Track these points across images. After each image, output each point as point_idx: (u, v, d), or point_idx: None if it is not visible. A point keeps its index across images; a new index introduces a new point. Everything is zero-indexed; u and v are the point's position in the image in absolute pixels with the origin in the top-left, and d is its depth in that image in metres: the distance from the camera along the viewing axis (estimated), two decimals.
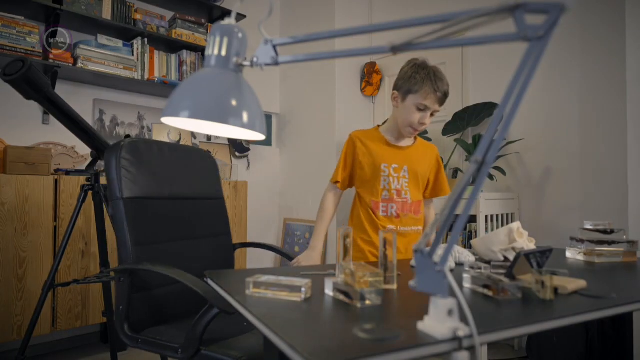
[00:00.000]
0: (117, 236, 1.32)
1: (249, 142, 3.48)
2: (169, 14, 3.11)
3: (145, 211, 1.37)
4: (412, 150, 1.64)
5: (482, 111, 2.68)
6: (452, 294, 0.62)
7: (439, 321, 0.60)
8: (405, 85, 1.52)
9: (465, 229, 2.49)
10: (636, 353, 1.89)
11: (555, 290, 0.85)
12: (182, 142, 3.16)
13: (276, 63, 0.79)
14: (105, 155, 1.35)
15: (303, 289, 0.81)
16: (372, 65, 3.44)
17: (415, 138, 1.68)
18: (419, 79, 1.48)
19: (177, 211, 1.48)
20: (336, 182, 1.62)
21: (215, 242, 1.60)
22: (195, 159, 1.63)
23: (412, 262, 1.22)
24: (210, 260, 1.54)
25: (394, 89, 1.58)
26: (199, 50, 3.09)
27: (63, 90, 2.66)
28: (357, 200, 1.65)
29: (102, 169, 1.79)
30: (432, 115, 1.53)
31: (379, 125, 1.68)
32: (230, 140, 3.44)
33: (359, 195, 1.64)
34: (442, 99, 1.52)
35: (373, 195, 1.58)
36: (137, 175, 1.37)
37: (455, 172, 2.89)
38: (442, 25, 0.63)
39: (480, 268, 1.09)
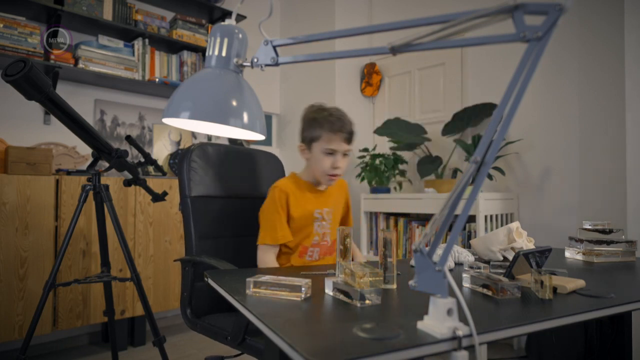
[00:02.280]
0: (184, 230, 1.48)
1: (249, 142, 3.49)
2: (169, 15, 3.11)
3: (208, 208, 1.51)
4: (332, 191, 1.57)
5: (481, 111, 2.68)
6: (452, 293, 0.62)
7: (438, 321, 0.61)
8: (307, 134, 1.46)
9: (465, 228, 2.49)
10: (635, 352, 1.89)
11: (554, 289, 0.85)
12: (182, 143, 3.16)
13: (276, 63, 0.79)
14: (179, 158, 1.51)
15: (303, 289, 0.81)
16: (372, 65, 3.44)
17: None
18: (318, 124, 1.43)
19: (237, 209, 1.59)
20: (274, 244, 1.43)
21: None
22: (260, 160, 1.73)
23: (412, 262, 1.22)
24: None
25: (300, 142, 1.51)
26: (200, 50, 3.09)
27: (64, 91, 2.66)
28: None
29: (103, 169, 1.80)
30: (345, 155, 1.46)
31: (294, 173, 1.57)
32: (230, 140, 3.45)
33: (282, 246, 1.49)
34: (349, 138, 1.45)
35: (304, 242, 1.48)
36: (203, 175, 1.52)
37: (455, 172, 2.89)
38: (442, 26, 0.64)
39: (479, 268, 1.09)
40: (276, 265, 1.43)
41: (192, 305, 1.38)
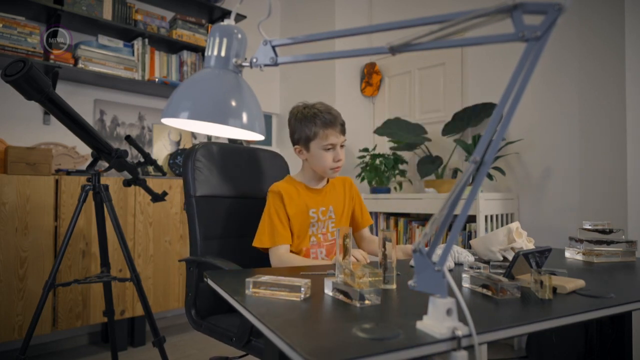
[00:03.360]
0: (189, 230, 1.47)
1: (248, 142, 3.49)
2: (169, 15, 3.11)
3: (213, 208, 1.51)
4: (330, 189, 1.57)
5: (481, 111, 2.68)
6: (451, 293, 0.62)
7: (438, 321, 0.61)
8: (301, 134, 1.45)
9: (465, 228, 2.49)
10: (635, 352, 1.89)
11: (554, 289, 0.85)
12: (182, 143, 3.16)
13: (275, 64, 0.79)
14: (183, 157, 1.50)
15: (302, 289, 0.81)
16: (372, 65, 3.44)
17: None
18: (310, 123, 1.42)
19: (242, 209, 1.58)
20: (280, 244, 1.40)
21: None
22: (265, 160, 1.72)
23: (411, 262, 1.22)
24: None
25: (294, 145, 1.50)
26: (200, 50, 3.09)
27: (64, 91, 2.66)
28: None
29: (103, 169, 1.80)
30: (342, 146, 1.47)
31: (290, 175, 1.59)
32: (230, 140, 3.44)
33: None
34: (343, 129, 1.46)
35: (302, 245, 1.47)
36: (208, 175, 1.52)
37: (455, 172, 2.89)
38: (441, 26, 0.63)
39: (479, 268, 1.09)
40: (292, 256, 1.40)
41: (196, 306, 1.38)
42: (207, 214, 1.48)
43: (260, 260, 1.48)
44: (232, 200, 1.57)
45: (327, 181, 1.59)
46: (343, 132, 1.47)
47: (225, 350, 2.47)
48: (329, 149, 1.44)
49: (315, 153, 1.45)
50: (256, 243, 1.43)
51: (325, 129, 1.42)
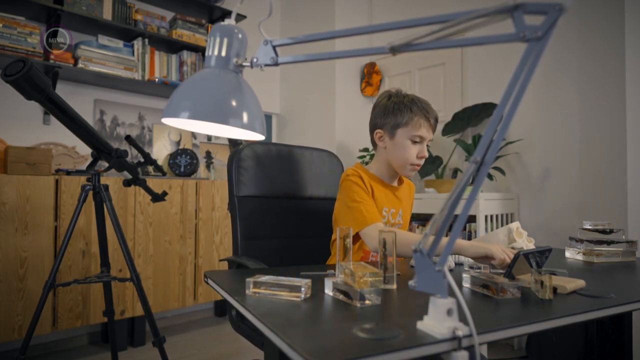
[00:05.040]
0: (232, 230, 1.46)
1: (249, 142, 3.49)
2: (169, 15, 3.11)
3: (256, 209, 1.49)
4: (403, 192, 1.44)
5: (481, 111, 2.68)
6: (452, 293, 0.62)
7: (438, 321, 0.61)
8: (391, 119, 1.32)
9: (465, 229, 2.49)
10: (635, 352, 1.89)
11: (555, 289, 0.85)
12: (182, 143, 3.16)
13: (276, 63, 0.79)
14: (228, 158, 1.50)
15: (303, 289, 0.81)
16: (372, 65, 3.44)
17: (400, 177, 1.47)
18: (406, 108, 1.30)
19: (285, 210, 1.55)
20: (374, 222, 1.23)
21: (320, 242, 1.57)
22: (316, 160, 1.66)
23: (412, 262, 1.22)
24: (313, 259, 1.53)
25: (376, 129, 1.37)
26: (200, 50, 3.09)
27: (64, 91, 2.66)
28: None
29: (103, 169, 1.80)
30: (428, 145, 1.35)
31: (360, 164, 1.44)
32: (230, 140, 3.44)
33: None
34: (435, 126, 1.34)
35: (364, 245, 1.31)
36: (252, 175, 1.49)
37: (455, 172, 2.89)
38: (442, 26, 0.63)
39: (479, 268, 1.09)
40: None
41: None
42: (250, 215, 1.46)
43: (304, 260, 1.45)
44: (276, 200, 1.54)
45: (401, 181, 1.46)
46: (434, 129, 1.35)
47: (228, 351, 2.47)
48: (416, 142, 1.31)
49: (400, 142, 1.31)
50: (356, 229, 1.22)
51: (420, 118, 1.29)
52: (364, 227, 1.22)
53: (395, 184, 1.43)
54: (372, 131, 1.40)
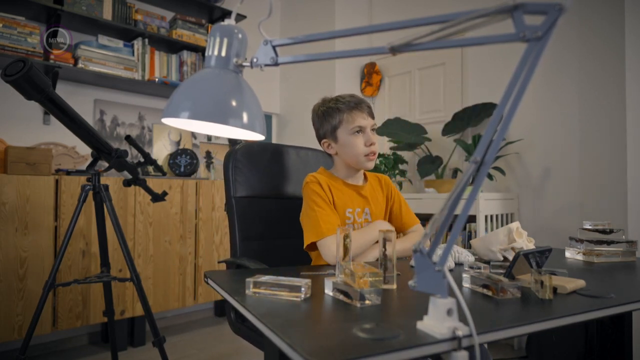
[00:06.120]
0: (229, 231, 1.45)
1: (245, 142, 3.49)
2: (169, 15, 3.11)
3: (253, 209, 1.47)
4: (369, 188, 1.44)
5: (481, 111, 2.68)
6: (452, 293, 0.62)
7: (438, 321, 0.61)
8: (327, 127, 1.36)
9: (465, 229, 2.49)
10: (635, 352, 1.89)
11: (555, 289, 0.85)
12: (182, 143, 3.16)
13: (276, 63, 0.79)
14: (224, 158, 1.48)
15: (302, 289, 0.81)
16: (372, 65, 3.44)
17: (365, 173, 1.48)
18: (333, 110, 1.35)
19: (284, 210, 1.53)
20: (330, 235, 1.23)
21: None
22: (312, 159, 1.65)
23: (412, 262, 1.22)
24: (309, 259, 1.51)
25: (322, 139, 1.41)
26: (200, 50, 3.09)
27: (64, 91, 2.66)
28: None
29: (103, 169, 1.80)
30: (373, 130, 1.36)
31: (323, 168, 1.45)
32: (230, 140, 3.45)
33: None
34: (369, 110, 1.36)
35: None
36: (249, 176, 1.48)
37: (455, 172, 2.89)
38: (442, 26, 0.63)
39: (479, 268, 1.09)
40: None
41: (235, 309, 1.33)
42: (247, 215, 1.45)
43: (301, 261, 1.44)
44: (273, 200, 1.52)
45: (365, 179, 1.47)
46: (371, 115, 1.36)
47: (228, 351, 2.47)
48: (357, 132, 1.33)
49: (345, 141, 1.34)
50: (307, 243, 1.26)
51: (350, 112, 1.33)
52: (320, 239, 1.24)
53: (360, 182, 1.44)
54: (320, 144, 1.44)
